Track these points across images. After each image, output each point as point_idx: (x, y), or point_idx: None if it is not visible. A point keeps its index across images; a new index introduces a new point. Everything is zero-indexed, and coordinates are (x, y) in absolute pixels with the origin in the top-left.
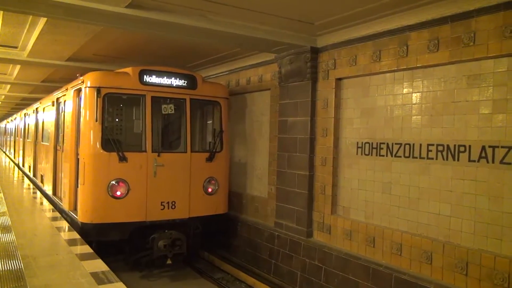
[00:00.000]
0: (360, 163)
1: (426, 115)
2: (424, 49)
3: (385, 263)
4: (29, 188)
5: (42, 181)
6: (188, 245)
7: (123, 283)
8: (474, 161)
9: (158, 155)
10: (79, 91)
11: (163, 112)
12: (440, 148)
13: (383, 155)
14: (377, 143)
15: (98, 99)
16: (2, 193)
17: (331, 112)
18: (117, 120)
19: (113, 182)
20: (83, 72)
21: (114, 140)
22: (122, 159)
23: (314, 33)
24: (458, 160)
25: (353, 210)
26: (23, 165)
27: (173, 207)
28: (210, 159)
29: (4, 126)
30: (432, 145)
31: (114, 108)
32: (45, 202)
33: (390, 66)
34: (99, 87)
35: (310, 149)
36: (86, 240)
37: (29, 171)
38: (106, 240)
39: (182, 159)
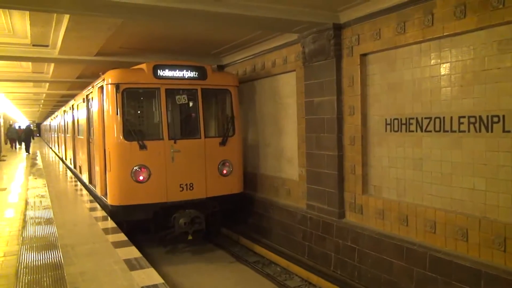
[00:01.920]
0: (389, 140)
1: (456, 86)
2: (451, 16)
3: (419, 241)
4: (71, 181)
5: (80, 172)
6: (207, 223)
7: (151, 258)
8: (509, 131)
9: (175, 142)
10: (102, 88)
11: (178, 102)
12: (472, 120)
13: (412, 131)
14: (406, 118)
15: (118, 94)
16: (47, 187)
17: (357, 90)
18: (136, 112)
19: (136, 168)
20: (113, 65)
21: (134, 130)
22: (142, 147)
23: (335, 9)
24: (491, 131)
25: (384, 189)
26: (66, 159)
27: (191, 188)
28: (223, 143)
29: (49, 123)
30: (464, 117)
31: (133, 101)
32: (84, 192)
33: (416, 37)
34: (118, 83)
35: (338, 129)
36: (116, 221)
37: (71, 164)
38: (133, 220)
39: (197, 145)
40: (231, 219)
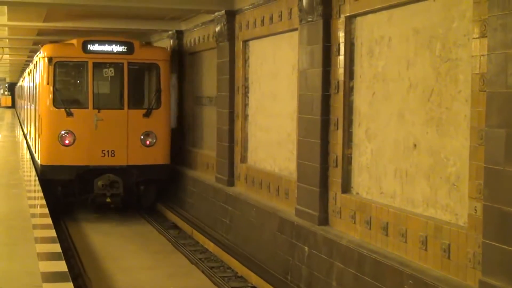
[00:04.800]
0: None
1: None
2: None
3: None
4: (29, 191)
5: (30, 140)
6: (129, 191)
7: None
8: None
9: (98, 111)
10: (39, 59)
11: (104, 75)
12: None
13: None
14: None
15: (50, 66)
16: None
17: None
18: (66, 83)
19: (63, 133)
20: (68, 31)
21: (62, 99)
22: (69, 114)
23: None
24: None
25: None
26: (26, 130)
27: (112, 155)
28: (147, 115)
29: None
30: None
31: (64, 73)
32: (43, 219)
33: None
34: (50, 57)
35: None
36: (44, 178)
37: (28, 133)
38: (58, 179)
39: (120, 115)
40: None
